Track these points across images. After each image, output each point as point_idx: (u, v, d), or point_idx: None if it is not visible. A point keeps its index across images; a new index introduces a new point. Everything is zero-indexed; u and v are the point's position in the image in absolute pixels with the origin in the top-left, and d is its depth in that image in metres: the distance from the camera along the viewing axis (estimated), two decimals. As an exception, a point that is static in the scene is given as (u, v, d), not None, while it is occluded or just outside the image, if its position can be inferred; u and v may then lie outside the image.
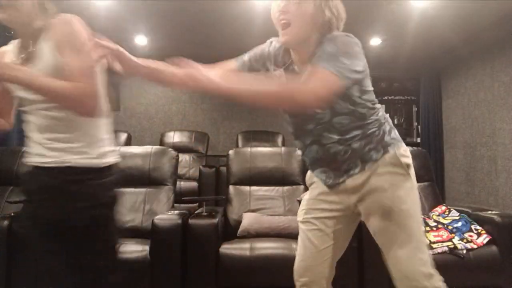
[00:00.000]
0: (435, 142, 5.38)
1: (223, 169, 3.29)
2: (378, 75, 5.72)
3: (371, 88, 1.34)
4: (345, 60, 1.18)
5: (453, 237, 2.41)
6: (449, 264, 2.29)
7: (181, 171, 4.39)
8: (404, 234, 1.29)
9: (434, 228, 2.47)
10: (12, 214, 2.40)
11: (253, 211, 2.84)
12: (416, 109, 6.10)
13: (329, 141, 1.33)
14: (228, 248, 2.35)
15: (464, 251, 2.33)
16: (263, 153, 3.16)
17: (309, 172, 1.52)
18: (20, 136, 3.99)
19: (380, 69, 5.54)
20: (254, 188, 3.00)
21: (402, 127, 6.17)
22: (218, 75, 1.36)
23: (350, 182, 1.35)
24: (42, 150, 1.21)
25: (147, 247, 2.26)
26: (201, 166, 4.28)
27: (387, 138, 1.34)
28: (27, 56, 1.28)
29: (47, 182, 1.19)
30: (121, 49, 1.32)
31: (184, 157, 4.73)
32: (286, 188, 3.01)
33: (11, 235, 2.26)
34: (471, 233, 2.44)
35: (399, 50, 4.83)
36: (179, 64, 1.27)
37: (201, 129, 5.41)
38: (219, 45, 4.81)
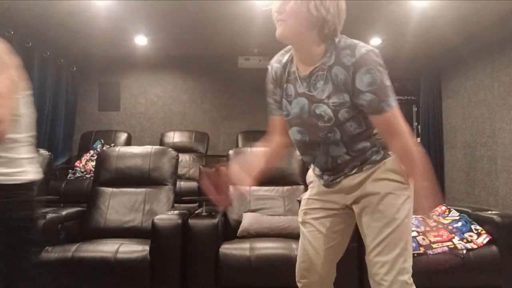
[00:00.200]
0: (435, 142, 5.38)
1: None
2: (378, 75, 5.71)
3: None
4: (388, 83, 1.24)
5: (453, 237, 2.41)
6: (449, 264, 2.29)
7: (181, 171, 4.39)
8: (391, 241, 1.28)
9: (434, 228, 2.47)
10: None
11: (253, 211, 2.84)
12: (416, 109, 6.10)
13: (337, 153, 1.33)
14: (228, 248, 2.35)
15: (464, 251, 2.33)
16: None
17: (310, 171, 1.52)
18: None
19: (380, 69, 5.54)
20: (254, 188, 2.99)
21: (402, 127, 6.17)
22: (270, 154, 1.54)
23: (346, 182, 1.35)
24: None
25: (147, 247, 2.26)
26: (201, 166, 4.28)
27: None
28: None
29: None
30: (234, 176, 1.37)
31: (184, 157, 4.73)
32: (286, 188, 3.00)
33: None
34: (471, 233, 2.44)
35: (399, 50, 4.82)
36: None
37: (201, 129, 5.40)
38: (219, 45, 4.82)
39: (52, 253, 2.24)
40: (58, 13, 3.66)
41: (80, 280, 2.21)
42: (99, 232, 2.63)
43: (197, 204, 3.79)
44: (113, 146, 4.72)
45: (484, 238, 2.39)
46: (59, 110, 4.83)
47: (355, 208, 1.36)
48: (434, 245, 2.35)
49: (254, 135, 5.16)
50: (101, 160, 2.99)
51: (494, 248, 2.36)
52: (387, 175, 1.31)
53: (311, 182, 1.51)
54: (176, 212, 2.47)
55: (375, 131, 1.33)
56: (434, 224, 2.52)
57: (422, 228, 2.44)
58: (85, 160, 4.54)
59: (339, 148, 1.32)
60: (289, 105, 1.36)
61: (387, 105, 1.24)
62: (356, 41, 1.26)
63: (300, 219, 1.49)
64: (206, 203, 2.73)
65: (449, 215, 2.68)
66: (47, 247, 2.28)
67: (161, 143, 5.01)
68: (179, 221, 2.30)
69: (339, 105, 1.25)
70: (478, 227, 2.48)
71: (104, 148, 4.26)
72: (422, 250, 2.33)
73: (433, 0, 3.41)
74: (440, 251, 2.31)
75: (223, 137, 5.60)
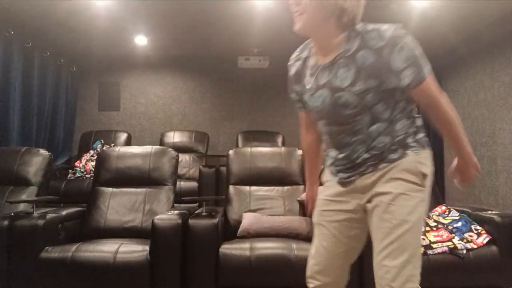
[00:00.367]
0: (435, 142, 5.38)
1: (223, 169, 3.29)
2: (378, 75, 5.71)
3: None
4: (420, 51, 1.23)
5: (453, 237, 2.42)
6: (449, 264, 2.29)
7: (181, 171, 4.39)
8: (400, 245, 1.22)
9: (434, 228, 2.47)
10: (12, 214, 2.40)
11: (253, 211, 2.84)
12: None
13: (357, 149, 1.31)
14: (228, 248, 2.35)
15: (464, 251, 2.33)
16: (263, 153, 3.16)
17: (326, 169, 1.49)
18: (20, 136, 4.00)
19: (380, 69, 5.54)
20: (254, 188, 3.00)
21: (402, 127, 6.17)
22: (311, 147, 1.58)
23: (360, 181, 1.33)
24: None
25: (147, 247, 2.26)
26: (201, 166, 4.28)
27: (409, 140, 1.30)
28: None
29: None
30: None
31: (184, 157, 4.73)
32: (286, 188, 3.00)
33: (11, 235, 2.26)
34: (471, 233, 2.44)
35: (399, 50, 4.82)
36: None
37: (201, 129, 5.40)
38: (219, 45, 4.82)
39: (52, 253, 2.24)
40: (58, 13, 3.66)
41: (80, 280, 2.21)
42: (99, 232, 2.63)
43: (197, 204, 3.79)
44: (113, 146, 4.72)
45: (484, 238, 2.39)
46: (59, 110, 4.83)
47: (368, 207, 1.32)
48: (434, 245, 2.35)
49: (254, 135, 5.16)
50: (101, 160, 2.99)
51: (494, 248, 2.36)
52: (402, 175, 1.27)
53: (327, 181, 1.48)
54: (176, 212, 2.47)
55: (398, 124, 1.29)
56: (434, 224, 2.52)
57: (422, 228, 2.44)
58: (85, 160, 4.54)
59: (360, 145, 1.30)
60: (311, 100, 1.36)
61: (426, 72, 1.23)
62: (377, 24, 1.25)
63: (315, 220, 1.46)
64: (206, 203, 2.73)
65: (449, 215, 2.69)
66: (47, 247, 2.28)
67: (161, 143, 5.01)
68: (179, 221, 2.30)
69: (365, 91, 1.23)
70: (478, 227, 2.48)
71: (104, 148, 4.26)
72: (422, 250, 2.32)
73: (433, 0, 3.41)
74: (440, 251, 2.31)
75: (223, 137, 5.60)
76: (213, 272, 2.29)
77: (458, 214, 2.65)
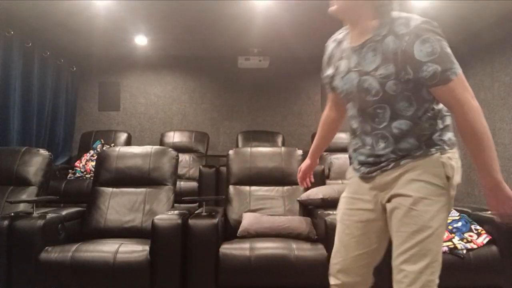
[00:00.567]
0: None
1: (223, 169, 3.29)
2: (378, 75, 5.72)
3: None
4: (449, 51, 1.20)
5: (453, 237, 2.41)
6: (449, 264, 2.28)
7: (181, 171, 4.39)
8: (420, 251, 1.19)
9: (434, 228, 2.47)
10: (12, 214, 2.40)
11: (253, 211, 2.84)
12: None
13: (380, 140, 1.31)
14: (228, 248, 2.35)
15: (464, 251, 2.33)
16: (263, 153, 3.16)
17: (349, 167, 1.49)
18: (20, 136, 4.00)
19: (380, 69, 5.54)
20: (254, 188, 3.00)
21: (402, 127, 6.16)
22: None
23: (381, 178, 1.31)
24: None
25: (147, 247, 2.26)
26: (201, 166, 4.28)
27: (435, 137, 1.26)
28: None
29: None
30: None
31: (184, 157, 4.73)
32: (286, 188, 3.00)
33: (11, 235, 2.26)
34: (471, 233, 2.44)
35: (399, 50, 4.82)
36: None
37: (201, 129, 5.40)
38: (219, 45, 4.82)
39: (52, 253, 2.24)
40: (58, 13, 3.66)
41: (80, 280, 2.21)
42: (99, 232, 2.63)
43: (197, 204, 3.79)
44: (113, 146, 4.72)
45: (484, 238, 2.39)
46: (59, 110, 4.82)
47: (387, 207, 1.30)
48: (434, 245, 2.35)
49: (254, 135, 5.16)
50: (101, 160, 2.99)
51: (494, 248, 2.36)
52: (424, 176, 1.23)
53: (349, 178, 1.48)
54: (176, 212, 2.47)
55: (424, 124, 1.27)
56: (434, 224, 2.52)
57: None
58: (85, 160, 4.54)
59: (382, 140, 1.30)
60: (341, 82, 1.37)
61: (453, 73, 1.18)
62: (410, 14, 1.25)
63: (338, 218, 1.46)
64: (206, 203, 2.73)
65: (449, 215, 2.68)
66: (47, 247, 2.28)
67: (161, 143, 5.01)
68: (179, 221, 2.30)
69: (386, 76, 1.23)
70: (478, 227, 2.48)
71: (104, 148, 4.26)
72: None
73: (433, 0, 3.41)
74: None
75: (223, 137, 5.60)
76: (213, 272, 2.29)
77: (458, 214, 2.65)
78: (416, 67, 1.18)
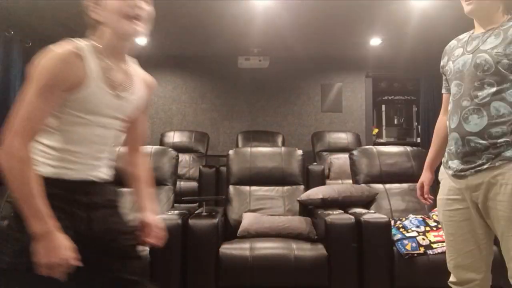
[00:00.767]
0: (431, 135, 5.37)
1: (223, 169, 3.29)
2: (378, 75, 5.71)
3: None
4: None
5: (453, 237, 2.41)
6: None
7: (181, 171, 4.39)
8: None
9: (434, 228, 2.47)
10: (12, 214, 2.40)
11: (253, 211, 2.84)
12: (416, 109, 6.10)
13: (474, 129, 1.34)
14: (228, 248, 2.35)
15: (464, 251, 2.33)
16: (263, 153, 3.16)
17: (441, 167, 1.54)
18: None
19: (380, 69, 5.54)
20: (254, 188, 3.00)
21: (402, 127, 6.16)
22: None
23: (473, 179, 1.35)
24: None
25: (147, 247, 2.26)
26: (201, 166, 4.27)
27: None
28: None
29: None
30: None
31: (184, 157, 4.73)
32: (286, 188, 3.00)
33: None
34: (471, 233, 2.44)
35: (399, 50, 4.82)
36: None
37: (201, 129, 5.40)
38: (219, 45, 4.82)
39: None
40: (58, 13, 3.66)
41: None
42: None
43: (197, 204, 3.79)
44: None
45: (484, 238, 2.39)
46: (59, 110, 4.82)
47: (481, 208, 1.36)
48: (434, 245, 2.35)
49: (254, 135, 5.16)
50: (101, 160, 2.98)
51: (494, 248, 2.36)
52: None
53: (442, 179, 1.53)
54: (176, 212, 2.47)
55: None
56: (434, 224, 2.52)
57: (422, 228, 2.44)
58: (85, 160, 4.54)
59: (476, 115, 1.33)
60: (454, 63, 1.45)
61: None
62: None
63: (440, 219, 1.52)
64: (206, 203, 2.73)
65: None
66: None
67: (161, 143, 5.01)
68: (179, 221, 2.30)
69: (502, 55, 1.30)
70: (478, 227, 2.48)
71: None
72: (422, 250, 2.33)
73: (433, 0, 3.41)
74: (440, 251, 2.31)
75: (223, 137, 5.60)
76: (213, 272, 2.29)
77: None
78: None
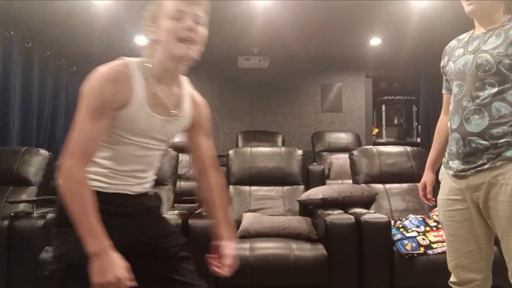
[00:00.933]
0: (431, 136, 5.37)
1: (223, 169, 3.29)
2: (378, 75, 5.71)
3: None
4: None
5: (453, 237, 2.41)
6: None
7: (181, 171, 4.37)
8: None
9: (434, 228, 2.47)
10: (12, 214, 2.40)
11: (253, 211, 2.84)
12: (416, 109, 6.10)
13: (474, 129, 1.34)
14: (228, 248, 2.35)
15: (464, 251, 2.32)
16: (263, 153, 3.16)
17: (442, 167, 1.54)
18: (20, 136, 4.00)
19: (380, 69, 5.54)
20: (254, 188, 3.00)
21: (402, 127, 6.16)
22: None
23: (473, 179, 1.35)
24: None
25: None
26: (201, 166, 4.27)
27: None
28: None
29: None
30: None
31: (184, 157, 4.71)
32: (286, 188, 3.00)
33: (11, 235, 2.26)
34: (471, 233, 2.44)
35: (399, 50, 4.82)
36: None
37: (201, 129, 5.40)
38: (219, 45, 4.81)
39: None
40: (58, 13, 3.66)
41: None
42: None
43: (197, 204, 3.78)
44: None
45: (484, 238, 2.39)
46: (59, 110, 4.82)
47: (483, 211, 1.37)
48: (434, 245, 2.35)
49: (254, 135, 5.16)
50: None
51: (494, 248, 2.36)
52: None
53: (442, 179, 1.53)
54: (176, 212, 2.47)
55: None
56: (434, 224, 2.52)
57: (422, 228, 2.44)
58: (85, 160, 4.53)
59: (477, 116, 1.33)
60: (455, 64, 1.45)
61: None
62: None
63: (440, 219, 1.53)
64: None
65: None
66: (47, 247, 2.28)
67: (161, 143, 5.00)
68: (179, 221, 2.31)
69: (504, 55, 1.30)
70: (478, 227, 2.48)
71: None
72: (422, 250, 2.32)
73: (433, 0, 3.41)
74: (440, 251, 2.31)
75: (223, 137, 5.60)
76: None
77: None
78: None
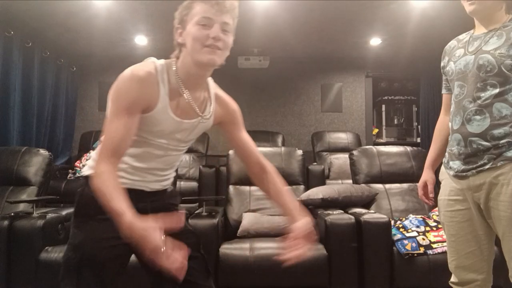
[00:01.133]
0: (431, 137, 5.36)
1: (223, 169, 3.29)
2: (378, 75, 5.71)
3: None
4: None
5: (453, 237, 2.41)
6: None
7: (181, 171, 4.39)
8: None
9: (434, 228, 2.47)
10: (12, 214, 2.40)
11: (253, 211, 2.84)
12: (416, 109, 6.09)
13: (476, 130, 1.34)
14: (228, 248, 2.35)
15: (464, 251, 2.33)
16: (263, 153, 3.10)
17: (442, 167, 1.54)
18: (20, 136, 4.00)
19: (380, 69, 5.54)
20: (254, 188, 3.00)
21: (402, 127, 6.16)
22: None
23: (474, 180, 1.35)
24: None
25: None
26: (201, 166, 4.28)
27: None
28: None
29: None
30: None
31: (184, 157, 4.73)
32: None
33: (11, 235, 2.26)
34: (471, 233, 2.44)
35: (399, 50, 4.82)
36: None
37: (201, 129, 5.40)
38: (219, 45, 4.81)
39: (52, 253, 2.24)
40: (58, 13, 3.66)
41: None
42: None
43: (197, 204, 3.79)
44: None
45: (484, 238, 2.39)
46: (59, 110, 4.82)
47: (483, 211, 1.37)
48: (434, 245, 2.35)
49: (254, 135, 5.11)
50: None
51: (494, 248, 2.36)
52: None
53: (442, 179, 1.53)
54: (176, 212, 2.47)
55: None
56: (434, 224, 2.52)
57: (422, 228, 2.44)
58: (85, 160, 4.54)
59: (479, 117, 1.33)
60: (455, 64, 1.44)
61: None
62: None
63: (441, 220, 1.52)
64: (206, 203, 2.73)
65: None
66: (47, 247, 2.28)
67: (161, 143, 5.01)
68: (179, 221, 2.30)
69: (506, 56, 1.30)
70: (478, 227, 2.48)
71: (104, 148, 4.24)
72: (422, 250, 2.33)
73: (433, 0, 3.41)
74: (440, 251, 2.31)
75: (223, 137, 5.58)
76: (213, 272, 2.29)
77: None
78: None
